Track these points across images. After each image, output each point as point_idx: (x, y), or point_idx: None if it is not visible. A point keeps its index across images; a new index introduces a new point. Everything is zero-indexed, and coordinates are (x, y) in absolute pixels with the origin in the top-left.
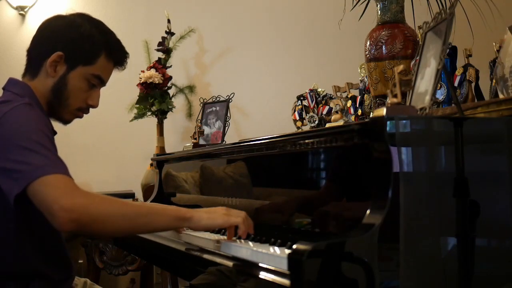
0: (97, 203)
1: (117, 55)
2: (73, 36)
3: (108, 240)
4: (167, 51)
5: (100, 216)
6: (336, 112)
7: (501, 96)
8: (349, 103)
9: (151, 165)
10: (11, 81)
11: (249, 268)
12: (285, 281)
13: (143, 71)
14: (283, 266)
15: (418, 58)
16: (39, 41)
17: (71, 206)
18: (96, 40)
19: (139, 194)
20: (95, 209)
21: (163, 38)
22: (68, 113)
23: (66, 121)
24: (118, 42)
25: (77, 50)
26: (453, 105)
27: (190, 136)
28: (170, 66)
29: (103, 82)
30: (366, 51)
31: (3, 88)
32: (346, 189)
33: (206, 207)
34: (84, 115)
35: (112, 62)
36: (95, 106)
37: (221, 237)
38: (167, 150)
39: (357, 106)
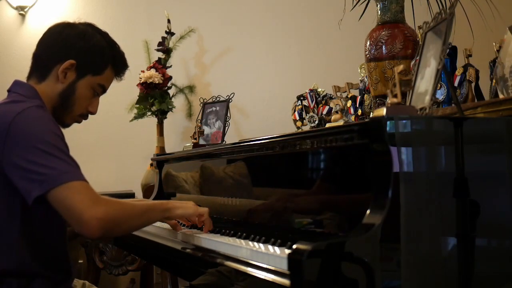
0: (118, 209)
1: (121, 67)
2: (86, 47)
3: (108, 240)
4: (167, 51)
5: (121, 221)
6: (336, 112)
7: (501, 96)
8: (349, 103)
9: (151, 165)
10: (17, 83)
11: (249, 268)
12: (285, 281)
13: (143, 71)
14: (283, 266)
15: (418, 58)
16: (50, 47)
17: (102, 215)
18: (105, 52)
19: (139, 194)
20: (118, 215)
21: (163, 38)
22: (70, 118)
23: (66, 125)
24: (122, 55)
25: (88, 60)
26: (453, 105)
27: (190, 136)
28: (170, 66)
29: (105, 91)
30: (366, 51)
31: (9, 90)
32: (346, 189)
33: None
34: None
35: (114, 73)
36: (94, 113)
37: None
38: (167, 150)
39: (357, 106)
